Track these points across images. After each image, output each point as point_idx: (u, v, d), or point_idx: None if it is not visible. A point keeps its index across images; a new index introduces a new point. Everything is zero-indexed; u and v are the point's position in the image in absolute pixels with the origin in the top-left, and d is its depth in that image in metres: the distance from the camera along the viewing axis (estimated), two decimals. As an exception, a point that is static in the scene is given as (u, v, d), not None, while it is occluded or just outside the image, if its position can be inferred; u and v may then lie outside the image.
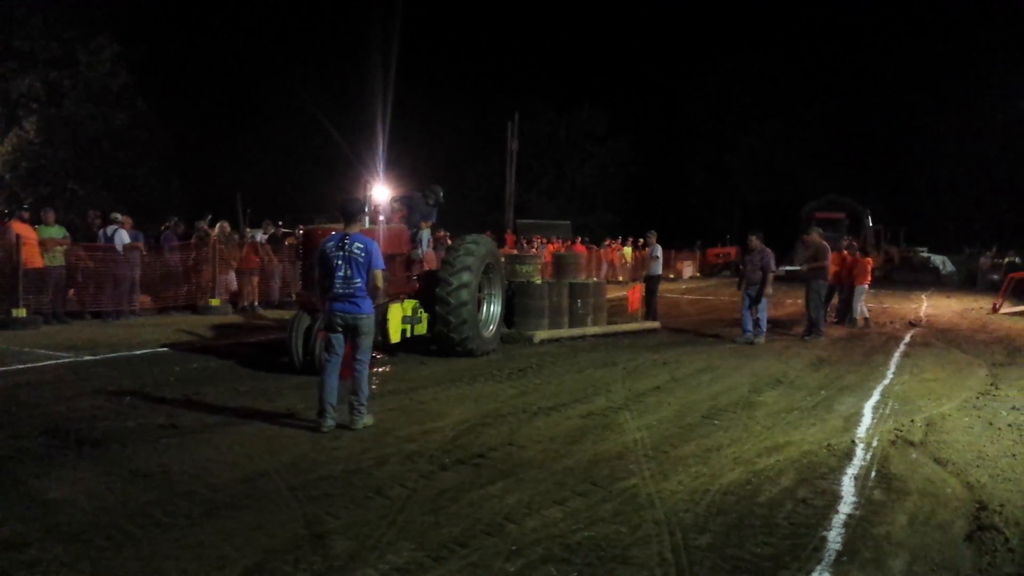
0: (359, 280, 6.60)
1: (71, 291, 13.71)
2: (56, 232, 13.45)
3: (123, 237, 14.06)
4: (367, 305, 6.68)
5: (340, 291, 6.60)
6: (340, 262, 6.60)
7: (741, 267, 14.26)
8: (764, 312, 13.08)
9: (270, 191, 37.56)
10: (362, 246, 6.63)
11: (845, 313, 15.86)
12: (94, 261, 13.80)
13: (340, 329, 6.67)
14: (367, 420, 6.69)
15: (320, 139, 38.05)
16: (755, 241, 13.17)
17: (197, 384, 8.40)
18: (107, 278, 13.85)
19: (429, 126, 46.88)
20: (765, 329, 13.11)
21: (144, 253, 14.74)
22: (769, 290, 12.94)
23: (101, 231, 14.27)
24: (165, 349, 10.89)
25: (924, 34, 59.73)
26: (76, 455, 5.71)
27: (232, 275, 16.33)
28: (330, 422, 6.53)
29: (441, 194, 12.16)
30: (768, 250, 13.17)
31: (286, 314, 10.20)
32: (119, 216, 14.64)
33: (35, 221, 13.50)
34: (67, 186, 29.14)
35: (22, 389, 7.98)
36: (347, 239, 6.64)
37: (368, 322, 6.70)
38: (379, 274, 6.67)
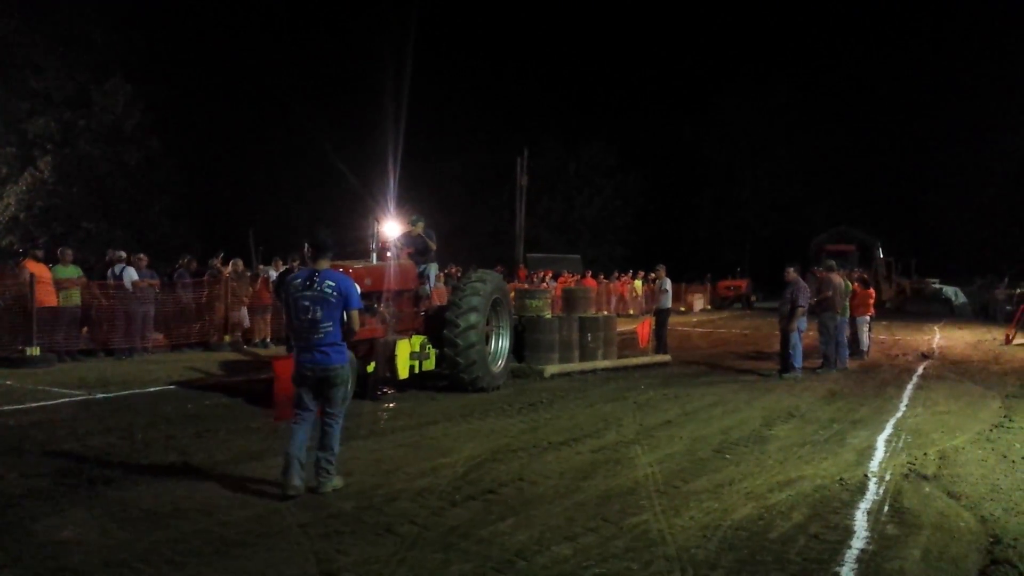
0: (330, 324, 5.75)
1: (84, 328, 13.80)
2: (72, 272, 13.56)
3: (131, 275, 14.16)
4: (338, 355, 5.83)
5: (307, 337, 5.77)
6: (307, 303, 5.73)
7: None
8: (798, 348, 12.90)
9: (282, 228, 37.84)
10: (333, 284, 5.77)
11: (855, 346, 15.77)
12: (107, 299, 13.90)
13: (308, 383, 5.88)
14: (336, 483, 5.87)
15: (331, 176, 38.38)
16: (790, 273, 13.04)
17: (208, 421, 8.42)
18: (120, 316, 13.95)
19: (440, 161, 47.25)
20: (800, 364, 12.91)
21: (157, 291, 14.84)
22: (793, 324, 12.78)
23: (109, 270, 14.38)
24: (177, 387, 10.95)
25: (935, 65, 60.14)
26: (88, 493, 5.73)
27: (244, 312, 16.41)
28: (296, 482, 5.64)
29: (414, 217, 12.13)
30: (801, 282, 13.05)
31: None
32: (123, 254, 14.78)
33: (50, 260, 13.62)
34: (81, 225, 29.46)
35: (35, 427, 8.02)
36: (316, 276, 5.78)
37: (340, 373, 5.86)
38: (356, 315, 5.88)
